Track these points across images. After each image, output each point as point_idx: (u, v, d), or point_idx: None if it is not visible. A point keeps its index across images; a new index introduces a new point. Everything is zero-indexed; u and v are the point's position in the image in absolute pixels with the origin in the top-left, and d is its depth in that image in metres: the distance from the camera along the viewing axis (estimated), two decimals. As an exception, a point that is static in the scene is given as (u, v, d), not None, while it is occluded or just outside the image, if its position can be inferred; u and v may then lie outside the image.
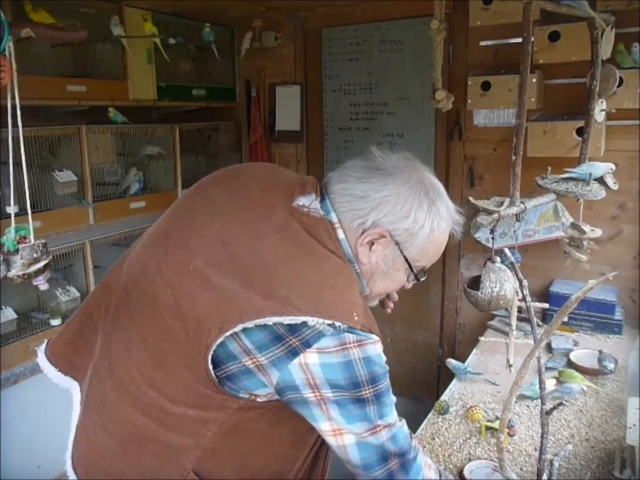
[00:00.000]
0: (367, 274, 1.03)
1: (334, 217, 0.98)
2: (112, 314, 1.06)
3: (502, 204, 1.58)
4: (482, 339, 2.04)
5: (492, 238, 1.48)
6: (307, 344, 0.87)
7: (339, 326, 0.87)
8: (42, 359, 1.21)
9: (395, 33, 2.78)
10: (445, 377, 2.93)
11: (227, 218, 0.98)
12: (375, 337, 0.93)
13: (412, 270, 1.04)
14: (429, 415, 1.69)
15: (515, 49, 2.37)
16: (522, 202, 1.60)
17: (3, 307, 2.14)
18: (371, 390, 0.92)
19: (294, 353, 0.88)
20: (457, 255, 2.80)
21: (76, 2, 2.30)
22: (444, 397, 1.79)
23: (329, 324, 0.87)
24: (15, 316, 2.17)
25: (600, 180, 1.94)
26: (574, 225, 2.00)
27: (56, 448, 2.42)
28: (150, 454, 0.98)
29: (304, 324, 0.86)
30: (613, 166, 1.93)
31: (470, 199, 1.51)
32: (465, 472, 1.39)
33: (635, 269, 2.34)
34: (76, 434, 1.16)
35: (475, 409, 1.64)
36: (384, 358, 0.95)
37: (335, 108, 3.05)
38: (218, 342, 0.87)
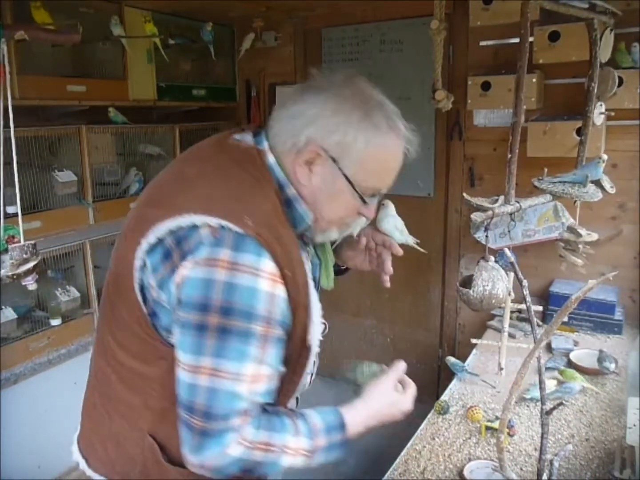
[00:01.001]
0: (310, 198, 0.97)
1: (265, 145, 0.97)
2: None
3: (496, 202, 1.57)
4: (474, 341, 2.04)
5: (486, 236, 1.48)
6: (183, 257, 0.85)
7: (223, 227, 0.84)
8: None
9: (395, 33, 2.77)
10: (445, 377, 2.93)
11: (170, 175, 1.04)
12: (264, 266, 0.85)
13: (354, 189, 0.96)
14: (429, 415, 1.69)
15: (515, 49, 2.37)
16: (517, 202, 1.60)
17: (3, 307, 2.14)
18: (218, 320, 0.83)
19: (173, 270, 0.87)
20: (457, 255, 2.80)
21: (76, 2, 2.30)
22: (444, 397, 1.79)
23: (210, 226, 0.84)
24: (15, 316, 2.16)
25: (597, 184, 1.94)
26: (570, 229, 2.00)
27: (56, 448, 2.41)
28: (118, 414, 1.02)
29: (191, 231, 0.85)
30: (605, 157, 1.92)
31: (465, 195, 1.51)
32: (465, 472, 1.39)
33: (635, 269, 2.34)
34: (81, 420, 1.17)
35: (475, 409, 1.64)
36: (265, 300, 0.85)
37: (335, 108, 3.04)
38: (136, 268, 0.90)
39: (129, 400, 1.00)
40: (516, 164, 1.55)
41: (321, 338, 1.04)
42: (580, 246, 2.01)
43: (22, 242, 1.46)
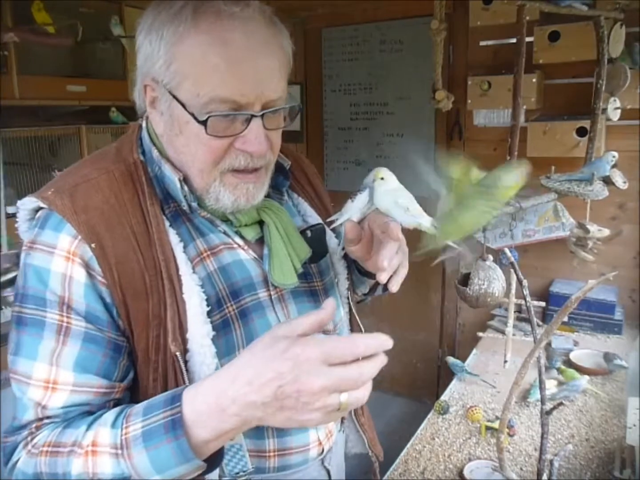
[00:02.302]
0: (169, 149, 0.79)
1: (144, 119, 0.83)
2: None
3: None
4: (480, 334, 2.04)
5: (484, 236, 1.49)
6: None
7: (39, 209, 0.75)
8: None
9: (395, 33, 2.77)
10: (445, 377, 2.93)
11: None
12: (62, 242, 0.70)
13: (189, 112, 0.72)
14: (429, 415, 1.69)
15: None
16: (517, 202, 1.60)
17: (3, 307, 2.14)
18: (17, 309, 0.71)
19: None
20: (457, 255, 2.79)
21: (76, 2, 2.30)
22: (444, 397, 1.79)
23: (35, 211, 0.75)
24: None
25: (607, 180, 1.94)
26: (580, 225, 2.00)
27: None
28: None
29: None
30: (615, 154, 1.92)
31: None
32: (465, 472, 1.39)
33: (635, 269, 2.34)
34: None
35: (475, 409, 1.64)
36: (58, 282, 0.69)
37: (335, 108, 3.04)
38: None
39: None
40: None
41: (206, 343, 0.73)
42: (590, 242, 2.01)
43: (5, 251, 1.35)
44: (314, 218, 0.94)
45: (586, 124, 2.06)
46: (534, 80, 2.17)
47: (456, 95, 2.11)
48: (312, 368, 0.58)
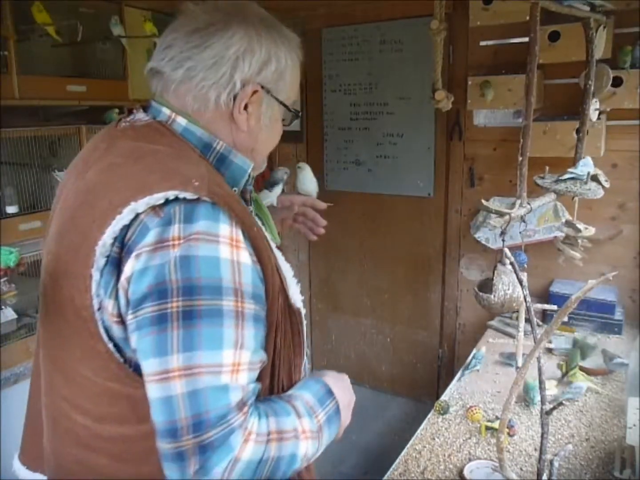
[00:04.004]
0: (250, 141, 0.89)
1: (165, 113, 0.84)
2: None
3: (512, 205, 1.57)
4: (491, 340, 2.04)
5: (503, 240, 1.46)
6: (128, 253, 0.71)
7: (169, 202, 0.71)
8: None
9: (395, 33, 2.77)
10: (445, 377, 2.93)
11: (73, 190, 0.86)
12: (223, 230, 0.71)
13: (290, 110, 0.92)
14: (429, 415, 1.69)
15: (516, 49, 2.38)
16: (528, 203, 1.60)
17: (3, 307, 2.14)
18: (180, 304, 0.68)
19: (119, 275, 0.72)
20: (457, 255, 2.80)
21: (76, 2, 2.30)
22: (444, 397, 1.79)
23: (153, 207, 0.71)
24: (15, 316, 2.16)
25: (594, 179, 1.95)
26: (568, 224, 2.00)
27: (56, 448, 2.40)
28: None
29: (133, 221, 0.71)
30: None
31: (483, 201, 1.50)
32: (465, 472, 1.39)
33: (635, 269, 2.34)
34: None
35: (475, 409, 1.64)
36: (230, 269, 0.71)
37: (335, 108, 3.05)
38: (90, 295, 0.74)
39: (137, 472, 0.79)
40: (527, 166, 1.55)
41: (302, 297, 0.89)
42: (579, 241, 2.02)
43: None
44: None
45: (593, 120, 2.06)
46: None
47: (456, 95, 2.11)
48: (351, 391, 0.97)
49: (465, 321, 2.85)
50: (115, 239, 0.72)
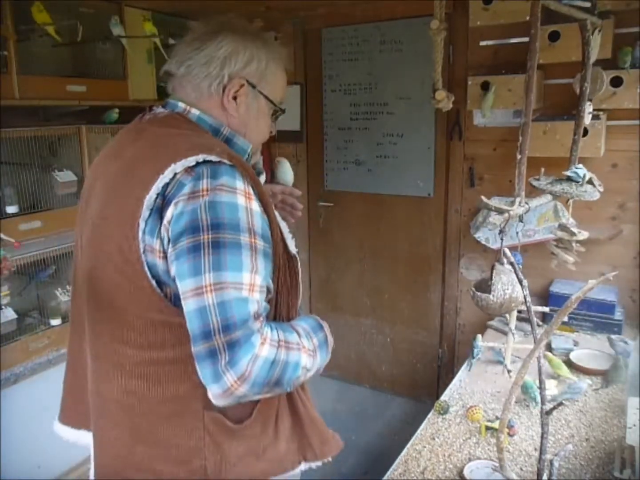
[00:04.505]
0: (241, 127, 1.10)
1: (181, 106, 1.07)
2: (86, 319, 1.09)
3: (512, 203, 1.56)
4: (488, 344, 2.04)
5: (502, 239, 1.45)
6: (168, 203, 0.91)
7: (198, 164, 0.91)
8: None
9: (395, 33, 2.78)
10: (445, 377, 2.93)
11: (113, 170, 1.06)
12: (239, 185, 0.93)
13: (273, 104, 1.12)
14: (429, 415, 1.69)
15: (516, 49, 2.38)
16: (526, 202, 1.60)
17: (3, 307, 2.14)
18: (210, 236, 0.88)
19: (161, 220, 0.92)
20: (457, 255, 2.80)
21: (76, 2, 2.30)
22: (444, 397, 1.79)
23: (187, 169, 0.91)
24: (15, 316, 2.16)
25: (589, 182, 1.95)
26: (562, 227, 2.00)
27: (56, 448, 2.41)
28: (161, 419, 0.99)
29: (172, 180, 0.91)
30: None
31: (483, 198, 1.50)
32: (465, 472, 1.39)
33: (635, 269, 2.34)
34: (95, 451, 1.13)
35: (475, 409, 1.64)
36: (246, 213, 0.92)
37: (335, 108, 3.05)
38: (137, 247, 0.93)
39: (174, 394, 0.98)
40: (526, 165, 1.54)
41: (297, 250, 1.10)
42: (573, 244, 2.02)
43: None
44: None
45: (586, 124, 2.06)
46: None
47: (456, 95, 2.11)
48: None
49: (465, 321, 2.85)
50: (158, 194, 0.91)
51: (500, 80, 2.28)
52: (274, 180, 1.43)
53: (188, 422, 0.98)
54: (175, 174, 0.91)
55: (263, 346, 0.87)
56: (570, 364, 1.92)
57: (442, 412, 1.69)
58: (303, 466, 1.10)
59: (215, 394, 0.87)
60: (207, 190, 0.90)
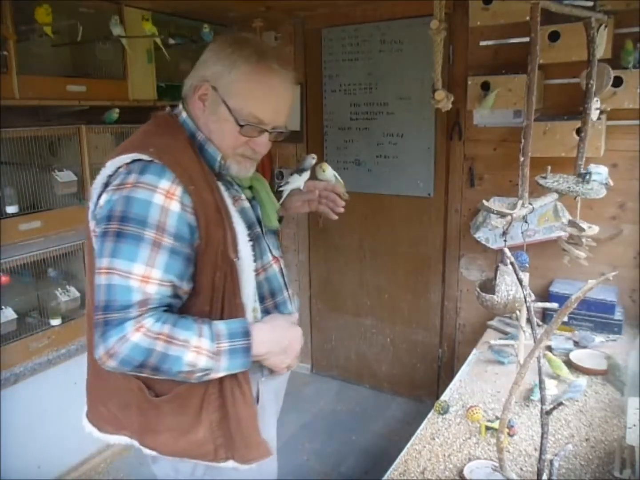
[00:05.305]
0: (206, 128, 1.16)
1: (179, 108, 1.20)
2: None
3: (514, 206, 1.56)
4: (494, 342, 2.04)
5: (505, 240, 1.46)
6: (105, 190, 1.06)
7: (134, 161, 1.04)
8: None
9: (395, 33, 2.78)
10: (445, 377, 2.93)
11: None
12: (163, 184, 1.02)
13: (230, 112, 1.12)
14: (429, 415, 1.69)
15: (515, 49, 2.38)
16: (530, 203, 1.60)
17: (3, 307, 2.14)
18: (114, 226, 1.01)
19: (99, 200, 1.08)
20: (457, 255, 2.80)
21: (76, 2, 2.30)
22: (444, 397, 1.79)
23: (126, 164, 1.05)
24: (15, 316, 2.16)
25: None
26: (572, 223, 2.00)
27: (56, 448, 2.42)
28: (113, 374, 1.14)
29: (112, 174, 1.07)
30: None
31: (484, 202, 1.50)
32: (465, 472, 1.39)
33: (635, 269, 2.34)
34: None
35: (475, 409, 1.64)
36: (158, 211, 1.01)
37: (335, 108, 3.05)
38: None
39: None
40: (529, 166, 1.54)
41: (254, 263, 1.17)
42: (584, 240, 2.01)
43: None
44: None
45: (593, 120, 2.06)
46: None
47: (456, 95, 2.11)
48: (299, 341, 1.21)
49: (465, 321, 2.85)
50: (103, 183, 1.08)
51: (500, 80, 2.28)
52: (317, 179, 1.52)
53: (123, 383, 1.15)
54: (118, 168, 1.06)
55: (136, 332, 0.99)
56: (570, 364, 1.92)
57: (442, 412, 1.68)
58: (231, 464, 1.16)
59: (95, 358, 1.02)
60: (130, 185, 1.02)
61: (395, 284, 3.07)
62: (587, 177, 1.85)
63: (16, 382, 2.12)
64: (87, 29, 2.28)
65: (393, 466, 1.44)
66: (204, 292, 1.10)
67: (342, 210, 1.47)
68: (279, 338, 1.17)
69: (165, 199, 1.02)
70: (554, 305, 1.98)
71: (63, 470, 2.35)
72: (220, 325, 1.08)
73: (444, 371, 2.98)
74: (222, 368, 1.06)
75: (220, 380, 1.12)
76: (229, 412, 1.15)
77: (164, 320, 1.02)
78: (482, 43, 2.49)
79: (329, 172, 1.50)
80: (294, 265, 3.30)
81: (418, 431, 1.61)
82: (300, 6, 2.87)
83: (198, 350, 1.03)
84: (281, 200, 1.46)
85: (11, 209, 2.11)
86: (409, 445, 1.54)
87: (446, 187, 2.79)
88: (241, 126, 1.13)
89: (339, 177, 1.53)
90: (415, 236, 2.96)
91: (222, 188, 1.16)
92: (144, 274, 1.00)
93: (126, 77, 2.52)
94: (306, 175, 1.48)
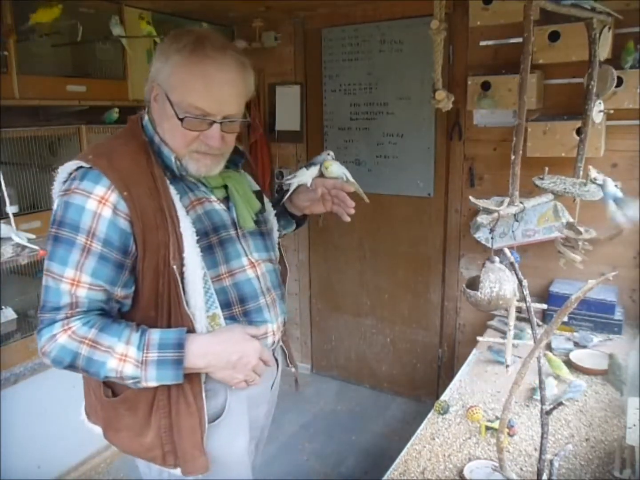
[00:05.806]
0: (161, 129, 1.15)
1: (144, 111, 1.20)
2: None
3: (502, 203, 1.57)
4: (480, 339, 2.04)
5: (492, 238, 1.47)
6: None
7: (78, 168, 1.07)
8: None
9: (395, 33, 2.78)
10: (445, 377, 2.93)
11: None
12: (98, 191, 1.04)
13: (171, 105, 1.09)
14: (429, 415, 1.69)
15: (515, 49, 2.37)
16: (521, 202, 1.60)
17: (3, 307, 2.14)
18: (54, 230, 1.05)
19: None
20: (457, 255, 2.80)
21: (76, 2, 2.30)
22: (444, 397, 1.79)
23: (75, 169, 1.08)
24: (15, 316, 2.16)
25: (593, 181, 1.94)
26: (569, 226, 2.00)
27: (56, 448, 2.42)
28: None
29: (65, 180, 1.10)
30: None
31: (471, 198, 1.51)
32: (465, 472, 1.39)
33: (635, 269, 2.34)
34: None
35: (475, 409, 1.64)
36: (90, 217, 1.03)
37: (335, 108, 3.05)
38: None
39: None
40: (520, 165, 1.55)
41: (201, 264, 1.13)
42: (580, 243, 2.01)
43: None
44: (256, 186, 1.37)
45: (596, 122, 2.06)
46: (533, 80, 2.17)
47: (456, 95, 2.11)
48: (254, 356, 1.13)
49: (465, 321, 2.85)
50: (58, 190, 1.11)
51: (500, 80, 2.28)
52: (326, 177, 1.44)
53: (92, 381, 1.20)
54: (69, 174, 1.09)
55: (64, 334, 1.03)
56: (570, 364, 1.92)
57: (442, 412, 1.68)
58: (179, 471, 1.15)
59: None
60: (70, 191, 1.05)
61: (396, 284, 3.07)
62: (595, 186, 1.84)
63: (16, 382, 2.11)
64: (87, 29, 2.28)
65: (393, 466, 1.44)
66: (148, 298, 1.09)
67: (352, 211, 1.38)
68: (225, 352, 1.10)
69: (98, 204, 1.03)
70: (543, 306, 1.99)
71: (63, 470, 2.35)
72: (154, 335, 1.06)
73: (444, 371, 2.98)
74: (150, 378, 1.05)
75: (169, 387, 1.10)
76: (172, 421, 1.14)
77: (91, 325, 1.04)
78: (482, 43, 2.49)
79: (333, 170, 1.42)
80: (294, 265, 3.29)
81: (418, 431, 1.61)
82: (300, 6, 2.87)
83: (122, 357, 1.04)
84: (287, 195, 1.41)
85: (11, 209, 2.11)
86: (409, 445, 1.54)
87: (446, 187, 2.79)
88: (181, 119, 1.08)
89: (349, 177, 1.44)
90: (415, 236, 2.96)
91: (175, 191, 1.12)
92: (73, 277, 1.03)
93: (126, 77, 2.52)
94: (314, 170, 1.40)
